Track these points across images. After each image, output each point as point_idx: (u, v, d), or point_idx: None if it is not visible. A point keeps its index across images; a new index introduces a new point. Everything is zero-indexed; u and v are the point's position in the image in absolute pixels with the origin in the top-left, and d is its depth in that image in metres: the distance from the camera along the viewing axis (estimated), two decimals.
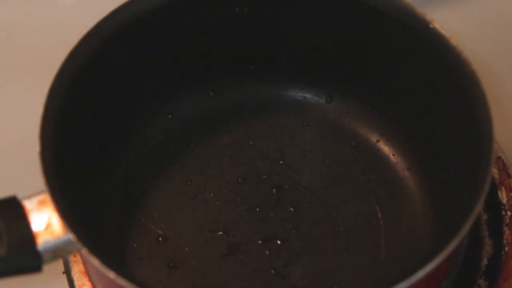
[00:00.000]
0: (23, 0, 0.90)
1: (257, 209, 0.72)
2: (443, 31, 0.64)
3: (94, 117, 0.68)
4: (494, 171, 0.73)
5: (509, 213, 0.71)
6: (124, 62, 0.69)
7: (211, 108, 0.77)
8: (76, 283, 0.69)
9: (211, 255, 0.69)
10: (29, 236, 0.56)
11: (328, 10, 0.70)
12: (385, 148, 0.75)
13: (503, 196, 0.72)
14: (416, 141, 0.72)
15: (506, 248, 0.69)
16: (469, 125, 0.62)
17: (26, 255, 0.56)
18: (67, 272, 0.70)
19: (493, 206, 0.72)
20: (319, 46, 0.73)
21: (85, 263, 0.69)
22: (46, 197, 0.57)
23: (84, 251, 0.56)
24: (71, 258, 0.70)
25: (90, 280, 0.69)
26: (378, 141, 0.75)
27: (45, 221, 0.57)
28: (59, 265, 0.71)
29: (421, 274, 0.55)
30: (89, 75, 0.65)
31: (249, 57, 0.75)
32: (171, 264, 0.69)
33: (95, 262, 0.55)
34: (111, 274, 0.55)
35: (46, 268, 0.57)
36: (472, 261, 0.69)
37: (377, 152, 0.74)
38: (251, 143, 0.76)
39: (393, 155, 0.74)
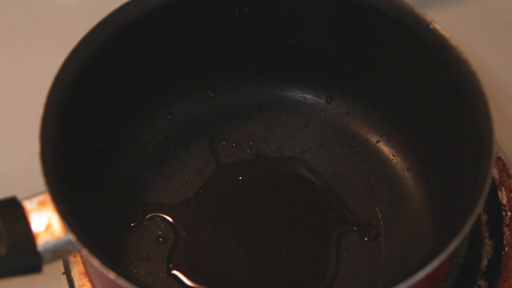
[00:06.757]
0: (23, 0, 0.90)
1: (257, 209, 0.72)
2: (443, 32, 0.64)
3: (93, 118, 0.68)
4: (494, 172, 0.73)
5: (509, 213, 0.71)
6: (124, 62, 0.69)
7: (211, 108, 0.77)
8: (76, 283, 0.69)
9: (212, 255, 0.69)
10: (29, 237, 0.56)
11: (328, 11, 0.70)
12: (385, 149, 0.75)
13: (503, 196, 0.72)
14: (416, 142, 0.72)
15: (506, 249, 0.69)
16: (469, 126, 0.62)
17: (26, 256, 0.56)
18: (67, 272, 0.70)
19: (493, 206, 0.72)
20: (319, 46, 0.73)
21: (85, 263, 0.69)
22: (46, 197, 0.57)
23: (84, 252, 0.56)
24: (71, 259, 0.70)
25: (90, 280, 0.69)
26: (378, 141, 0.75)
27: (45, 222, 0.57)
28: (59, 265, 0.71)
29: (421, 275, 0.55)
30: (89, 76, 0.65)
31: (249, 57, 0.75)
32: (170, 265, 0.69)
33: (95, 262, 0.55)
34: (111, 275, 0.55)
35: (46, 268, 0.58)
36: (472, 261, 0.69)
37: (377, 153, 0.74)
38: (251, 143, 0.76)
39: (393, 155, 0.74)
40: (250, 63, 0.76)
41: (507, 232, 0.70)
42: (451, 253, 0.56)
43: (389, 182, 0.73)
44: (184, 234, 0.70)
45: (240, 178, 0.73)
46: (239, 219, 0.71)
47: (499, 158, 0.74)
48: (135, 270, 0.68)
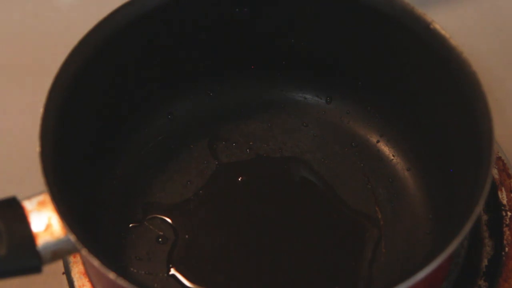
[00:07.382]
0: (23, 0, 0.90)
1: (257, 210, 0.72)
2: (443, 32, 0.64)
3: (94, 118, 0.68)
4: (494, 172, 0.73)
5: (509, 213, 0.71)
6: (124, 62, 0.69)
7: (211, 108, 0.77)
8: (76, 283, 0.69)
9: (211, 255, 0.69)
10: (29, 237, 0.56)
11: (328, 11, 0.70)
12: (385, 149, 0.75)
13: (503, 196, 0.72)
14: (416, 142, 0.72)
15: (507, 249, 0.69)
16: (469, 126, 0.62)
17: (26, 256, 0.56)
18: (67, 272, 0.70)
19: (493, 206, 0.72)
20: (319, 46, 0.73)
21: (85, 263, 0.69)
22: (46, 197, 0.57)
23: (84, 252, 0.56)
24: (71, 259, 0.70)
25: (90, 280, 0.69)
26: (378, 141, 0.75)
27: (45, 222, 0.57)
28: (59, 265, 0.71)
29: (421, 275, 0.55)
30: (89, 76, 0.65)
31: (249, 57, 0.75)
32: (170, 265, 0.69)
33: (95, 262, 0.55)
34: (111, 275, 0.55)
35: (46, 268, 0.58)
36: (473, 262, 0.69)
37: (377, 153, 0.74)
38: (251, 143, 0.76)
39: (393, 155, 0.74)
40: (250, 63, 0.76)
41: (507, 232, 0.70)
42: (451, 253, 0.56)
43: (389, 182, 0.73)
44: (184, 234, 0.70)
45: (240, 178, 0.73)
46: (239, 219, 0.71)
47: (499, 158, 0.74)
48: (135, 270, 0.68)
